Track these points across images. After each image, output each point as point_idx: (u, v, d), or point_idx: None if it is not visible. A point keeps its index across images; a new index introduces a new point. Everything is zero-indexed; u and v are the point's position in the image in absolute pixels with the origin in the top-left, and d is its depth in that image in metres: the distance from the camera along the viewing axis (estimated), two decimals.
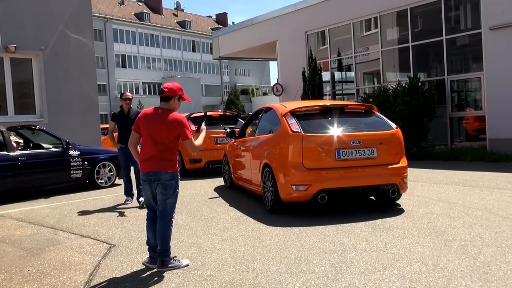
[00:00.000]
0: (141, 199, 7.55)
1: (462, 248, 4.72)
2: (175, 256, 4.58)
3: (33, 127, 10.03)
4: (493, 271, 4.05)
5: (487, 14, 13.19)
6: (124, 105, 7.94)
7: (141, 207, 7.53)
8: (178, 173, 4.61)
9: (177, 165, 4.59)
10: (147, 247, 4.68)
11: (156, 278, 4.27)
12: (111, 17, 55.73)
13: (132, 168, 7.98)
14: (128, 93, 8.10)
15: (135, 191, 8.14)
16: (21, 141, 10.07)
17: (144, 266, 4.62)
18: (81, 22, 13.54)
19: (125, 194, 8.24)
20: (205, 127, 4.92)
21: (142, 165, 4.60)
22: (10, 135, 9.37)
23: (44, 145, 9.97)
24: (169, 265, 4.45)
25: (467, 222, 5.79)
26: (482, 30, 13.34)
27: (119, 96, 8.33)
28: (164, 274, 4.35)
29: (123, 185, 8.34)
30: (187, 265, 4.54)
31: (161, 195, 4.50)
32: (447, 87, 14.56)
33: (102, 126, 17.93)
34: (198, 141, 4.66)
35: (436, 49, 15.07)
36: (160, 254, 4.48)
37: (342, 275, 4.10)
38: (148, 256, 4.68)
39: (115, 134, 8.15)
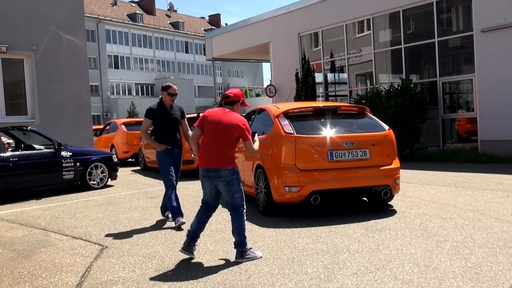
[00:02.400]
0: (180, 219, 6.23)
1: (454, 249, 4.75)
2: (250, 248, 4.72)
3: (25, 128, 9.96)
4: (484, 271, 4.07)
5: (478, 17, 13.27)
6: (168, 100, 6.44)
7: (177, 228, 6.15)
8: (237, 168, 4.76)
9: (235, 161, 4.74)
10: (187, 231, 4.81)
11: (148, 280, 4.25)
12: (103, 17, 55.52)
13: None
14: (175, 87, 6.54)
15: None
16: (12, 141, 10.00)
17: (136, 268, 4.60)
18: (73, 23, 13.48)
19: (174, 216, 6.28)
20: (257, 138, 5.11)
21: (202, 161, 4.74)
22: (1, 136, 9.30)
23: (36, 146, 9.92)
24: (246, 256, 4.62)
25: (459, 223, 5.82)
26: (474, 32, 13.43)
27: (161, 88, 6.56)
28: (157, 276, 4.34)
29: (115, 186, 8.24)
30: (261, 256, 4.68)
31: (227, 192, 4.66)
32: (439, 89, 14.64)
33: (94, 127, 17.90)
34: (256, 146, 4.91)
35: (428, 51, 15.15)
36: (238, 245, 4.67)
37: (335, 276, 4.11)
38: (183, 243, 4.79)
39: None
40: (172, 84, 6.51)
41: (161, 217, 6.83)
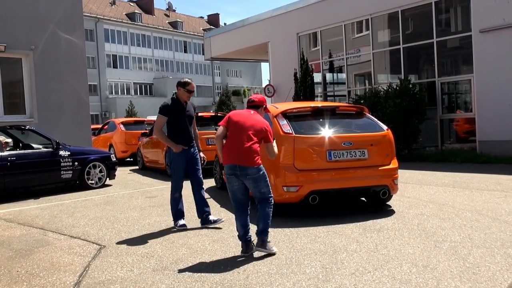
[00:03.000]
0: (182, 221, 6.15)
1: (452, 249, 4.75)
2: (269, 241, 4.83)
3: (23, 127, 9.94)
4: (482, 272, 4.07)
5: (477, 17, 13.29)
6: (184, 97, 6.10)
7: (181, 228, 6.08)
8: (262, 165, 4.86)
9: (260, 159, 4.84)
10: (238, 235, 4.90)
11: (146, 280, 4.25)
12: (102, 17, 55.48)
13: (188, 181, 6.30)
14: (194, 83, 6.23)
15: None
16: (10, 140, 9.99)
17: (134, 267, 4.60)
18: (72, 22, 13.45)
19: (176, 218, 6.21)
20: (275, 143, 5.16)
21: (227, 158, 4.81)
22: None
23: (34, 146, 9.90)
24: (265, 246, 4.77)
25: (457, 223, 5.83)
26: (472, 32, 13.45)
27: (177, 84, 6.16)
28: (155, 276, 4.33)
29: (113, 186, 8.24)
30: (275, 253, 4.80)
31: (255, 188, 4.79)
32: (437, 89, 14.66)
33: (93, 126, 17.89)
34: (275, 148, 5.03)
35: (427, 51, 15.17)
36: (261, 232, 4.77)
37: (333, 276, 4.11)
38: (242, 247, 4.86)
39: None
40: (191, 81, 6.19)
41: (160, 216, 6.82)
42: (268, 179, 4.88)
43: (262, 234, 4.77)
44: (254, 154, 4.74)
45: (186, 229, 6.04)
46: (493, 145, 12.69)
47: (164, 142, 6.26)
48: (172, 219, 6.30)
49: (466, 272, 4.08)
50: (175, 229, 6.11)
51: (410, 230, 5.57)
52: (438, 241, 5.04)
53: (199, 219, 6.24)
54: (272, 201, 4.90)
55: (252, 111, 5.01)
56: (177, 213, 6.20)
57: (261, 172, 4.77)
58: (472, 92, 13.81)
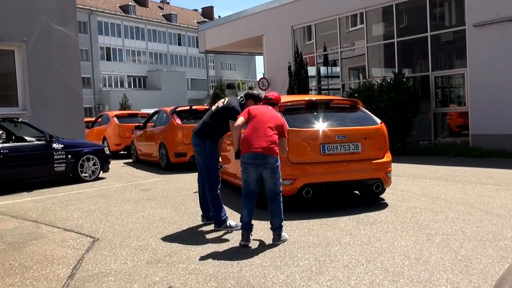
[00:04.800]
0: (230, 222, 5.68)
1: (444, 242, 4.79)
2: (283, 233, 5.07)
3: (16, 120, 9.89)
4: (474, 264, 4.11)
5: (471, 11, 13.31)
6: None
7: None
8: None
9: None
10: (240, 224, 5.06)
11: (140, 272, 4.25)
12: (95, 9, 55.07)
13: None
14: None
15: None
16: (3, 133, 9.93)
17: (128, 260, 4.60)
18: (65, 14, 13.34)
19: (225, 215, 5.74)
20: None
21: (249, 146, 4.91)
22: None
23: (27, 138, 9.84)
24: (282, 238, 4.99)
25: (450, 216, 5.87)
26: (466, 27, 13.47)
27: (250, 95, 5.66)
28: (148, 268, 4.34)
29: (107, 179, 8.20)
30: (286, 240, 5.02)
31: (271, 179, 4.95)
32: (431, 83, 14.70)
33: (86, 119, 17.81)
34: (287, 146, 5.27)
35: (421, 45, 15.19)
36: (277, 229, 4.99)
37: (326, 268, 4.13)
38: (242, 236, 4.97)
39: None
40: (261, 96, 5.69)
41: (153, 209, 6.81)
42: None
43: (279, 230, 5.01)
44: (275, 145, 4.95)
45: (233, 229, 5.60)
46: (485, 139, 12.76)
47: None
48: (200, 214, 6.06)
49: (458, 264, 4.12)
50: (199, 225, 6.08)
51: (403, 223, 5.61)
52: (431, 234, 5.07)
53: (202, 214, 6.05)
54: (281, 197, 5.09)
55: (270, 107, 5.27)
56: (220, 211, 5.71)
57: (279, 163, 4.98)
58: (466, 86, 13.87)
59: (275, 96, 5.48)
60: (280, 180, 5.05)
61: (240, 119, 5.12)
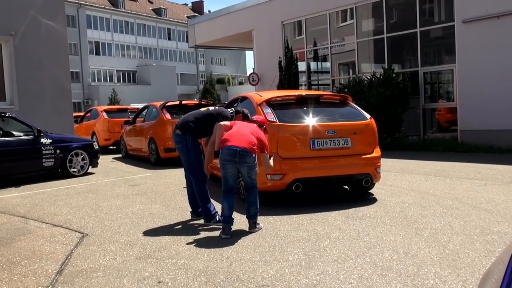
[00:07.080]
0: (219, 217, 5.55)
1: (432, 236, 4.83)
2: (258, 222, 5.38)
3: (3, 114, 9.77)
4: (462, 258, 4.15)
5: (460, 7, 13.38)
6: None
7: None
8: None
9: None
10: (221, 218, 5.28)
11: (129, 267, 4.24)
12: (84, 2, 54.46)
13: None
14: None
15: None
16: None
17: (117, 255, 4.58)
18: (53, 8, 13.19)
19: (214, 211, 5.73)
20: (273, 159, 5.73)
21: (229, 142, 5.14)
22: None
23: (15, 133, 9.75)
24: (257, 226, 5.31)
25: (438, 211, 5.91)
26: (455, 23, 13.54)
27: (240, 113, 5.89)
28: (138, 264, 4.33)
29: (96, 174, 8.15)
30: (261, 229, 5.33)
31: (248, 175, 5.24)
32: (420, 78, 14.77)
33: (75, 114, 17.67)
34: (271, 162, 5.56)
35: (411, 41, 15.25)
36: (253, 216, 5.29)
37: (316, 263, 4.15)
38: (223, 230, 5.15)
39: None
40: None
41: (143, 204, 6.79)
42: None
43: (254, 217, 5.30)
44: (254, 146, 5.20)
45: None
46: (474, 135, 12.87)
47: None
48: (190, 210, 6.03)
49: (446, 258, 4.15)
50: (188, 221, 6.08)
51: (392, 217, 5.64)
52: (419, 229, 5.11)
53: (191, 210, 6.04)
54: (257, 188, 5.38)
55: (255, 125, 5.59)
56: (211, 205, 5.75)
57: (256, 161, 5.25)
58: (454, 82, 13.95)
59: (261, 119, 5.85)
60: (256, 175, 5.32)
61: (226, 122, 5.51)
